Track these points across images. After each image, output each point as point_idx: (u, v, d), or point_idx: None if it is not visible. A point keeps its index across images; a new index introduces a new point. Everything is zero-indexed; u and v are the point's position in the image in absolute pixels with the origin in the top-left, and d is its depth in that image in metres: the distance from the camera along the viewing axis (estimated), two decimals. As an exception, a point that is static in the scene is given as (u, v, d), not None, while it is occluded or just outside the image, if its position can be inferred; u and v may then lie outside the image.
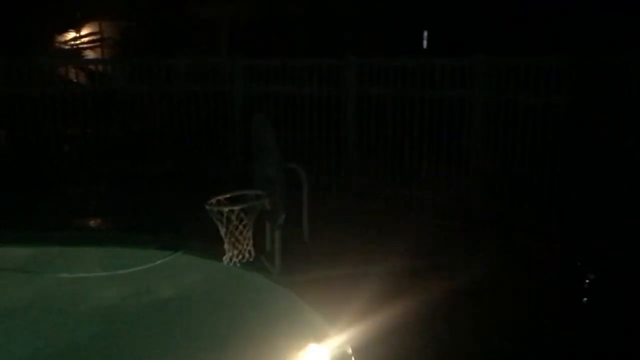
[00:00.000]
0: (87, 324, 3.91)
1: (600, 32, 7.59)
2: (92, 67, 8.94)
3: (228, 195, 4.08)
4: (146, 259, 4.86)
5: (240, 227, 4.05)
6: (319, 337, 3.50)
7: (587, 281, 4.56)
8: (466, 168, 6.12)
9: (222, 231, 4.06)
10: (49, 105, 7.53)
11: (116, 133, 7.88)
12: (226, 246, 4.13)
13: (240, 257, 4.16)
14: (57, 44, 9.94)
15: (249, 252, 4.19)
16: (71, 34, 10.28)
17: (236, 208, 3.98)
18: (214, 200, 4.03)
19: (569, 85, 5.25)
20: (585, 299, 4.27)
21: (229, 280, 4.44)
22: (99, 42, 10.48)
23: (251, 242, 4.17)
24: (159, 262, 4.79)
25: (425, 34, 10.40)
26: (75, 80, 8.31)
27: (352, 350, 3.31)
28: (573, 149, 5.27)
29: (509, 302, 4.02)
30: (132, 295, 4.37)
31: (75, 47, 10.14)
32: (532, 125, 5.52)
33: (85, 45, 10.29)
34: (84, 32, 10.47)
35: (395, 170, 6.63)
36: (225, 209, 3.97)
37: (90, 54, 10.36)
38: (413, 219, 5.71)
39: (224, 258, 4.17)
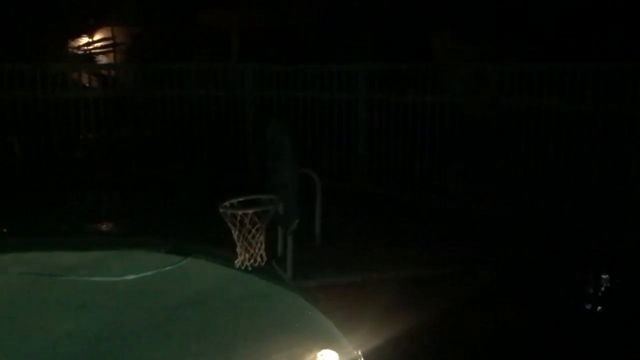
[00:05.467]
0: (97, 328, 3.90)
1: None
2: (104, 72, 9.00)
3: (242, 199, 4.09)
4: (157, 263, 4.85)
5: (253, 231, 4.05)
6: (330, 344, 3.48)
7: (602, 286, 4.52)
8: (475, 174, 6.11)
9: (235, 235, 4.05)
10: (62, 110, 7.59)
11: (128, 138, 7.92)
12: (238, 250, 4.12)
13: (252, 261, 4.15)
14: (70, 49, 10.03)
15: (261, 257, 4.18)
16: (84, 39, 10.37)
17: (250, 211, 3.97)
18: (227, 204, 4.03)
19: None
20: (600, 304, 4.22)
21: (239, 285, 4.42)
22: (112, 47, 10.56)
23: (263, 246, 4.16)
24: (169, 267, 4.78)
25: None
26: (88, 85, 8.37)
27: (363, 357, 3.28)
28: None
29: (522, 308, 3.97)
30: (142, 300, 4.35)
31: (88, 52, 10.23)
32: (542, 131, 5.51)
33: (98, 51, 10.38)
34: (96, 37, 10.56)
35: (408, 176, 6.62)
36: (239, 212, 3.96)
37: (103, 59, 10.43)
38: (427, 225, 5.68)
39: (235, 261, 4.17)
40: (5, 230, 5.65)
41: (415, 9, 9.28)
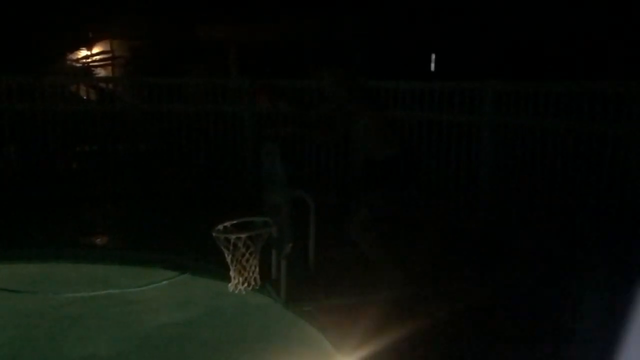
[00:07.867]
0: (89, 344, 3.88)
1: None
2: (102, 85, 9.02)
3: (235, 222, 4.07)
4: (153, 277, 4.85)
5: (247, 254, 4.03)
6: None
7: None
8: (477, 192, 6.11)
9: (229, 258, 4.04)
10: (59, 122, 7.60)
11: (125, 151, 7.92)
12: (232, 273, 4.11)
13: (245, 284, 4.13)
14: (69, 62, 10.07)
15: (255, 280, 4.17)
16: (83, 52, 10.41)
17: (243, 235, 3.96)
18: (220, 227, 4.02)
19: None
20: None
21: (234, 301, 4.41)
22: (110, 60, 10.60)
23: (257, 269, 4.15)
24: (164, 282, 4.77)
25: (433, 57, 10.46)
26: (86, 98, 8.38)
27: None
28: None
29: (524, 329, 3.95)
30: (137, 315, 4.33)
31: (86, 64, 10.26)
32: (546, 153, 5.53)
33: (96, 64, 10.41)
34: (95, 50, 10.60)
35: (404, 194, 6.60)
36: (232, 236, 3.95)
37: (101, 72, 10.47)
38: (423, 244, 5.66)
39: (229, 285, 4.15)
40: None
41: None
